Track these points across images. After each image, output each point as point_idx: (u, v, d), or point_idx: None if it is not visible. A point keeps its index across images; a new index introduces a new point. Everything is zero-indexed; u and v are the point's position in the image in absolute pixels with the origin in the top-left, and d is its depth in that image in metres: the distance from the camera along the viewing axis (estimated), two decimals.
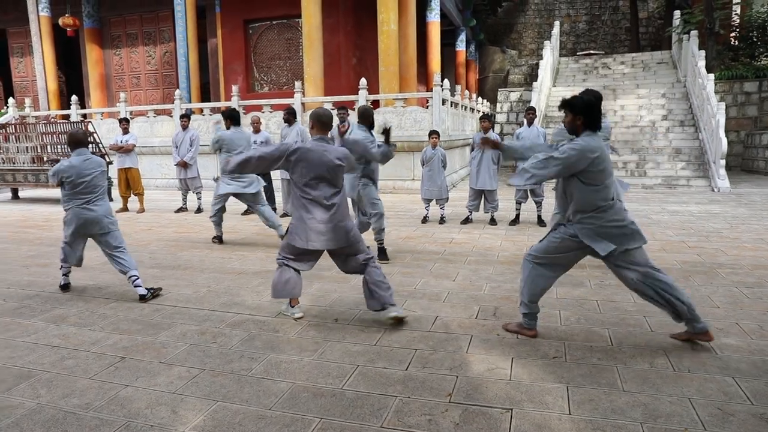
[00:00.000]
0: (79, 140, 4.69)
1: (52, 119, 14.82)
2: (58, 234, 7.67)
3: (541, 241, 3.63)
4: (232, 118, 6.89)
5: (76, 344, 3.62)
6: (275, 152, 3.90)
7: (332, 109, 12.24)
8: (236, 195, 6.72)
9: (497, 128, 17.49)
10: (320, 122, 3.99)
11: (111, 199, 11.26)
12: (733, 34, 18.33)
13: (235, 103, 13.16)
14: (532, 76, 21.33)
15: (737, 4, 18.61)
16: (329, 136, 4.09)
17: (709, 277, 5.07)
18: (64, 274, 4.89)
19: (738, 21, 18.42)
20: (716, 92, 14.19)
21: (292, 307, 4.10)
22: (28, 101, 16.08)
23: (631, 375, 3.08)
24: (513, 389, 2.94)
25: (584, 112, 3.30)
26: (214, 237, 6.92)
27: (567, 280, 4.97)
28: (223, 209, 6.84)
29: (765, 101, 15.47)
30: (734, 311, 4.12)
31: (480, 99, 19.74)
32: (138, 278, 4.61)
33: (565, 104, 3.38)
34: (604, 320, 3.97)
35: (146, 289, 4.63)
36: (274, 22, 16.28)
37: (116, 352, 3.48)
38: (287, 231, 4.04)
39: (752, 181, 12.91)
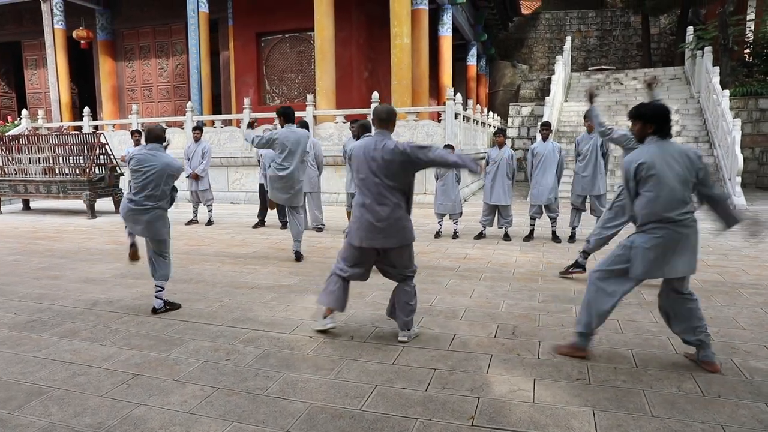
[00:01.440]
0: (157, 136, 4.59)
1: (65, 131, 14.91)
2: (69, 246, 7.66)
3: None
4: (285, 115, 6.46)
5: (87, 360, 3.56)
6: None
7: (344, 123, 12.26)
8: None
9: (508, 143, 17.41)
10: (378, 118, 3.89)
11: None
12: (747, 51, 18.20)
13: (246, 115, 13.18)
14: (543, 90, 21.29)
15: (751, 20, 18.53)
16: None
17: (731, 297, 4.94)
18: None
19: (752, 37, 18.32)
20: (731, 108, 14.05)
21: (324, 318, 4.01)
22: (41, 113, 16.22)
23: (658, 399, 2.97)
24: (537, 412, 2.84)
25: (656, 119, 3.29)
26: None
27: None
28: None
29: None
30: (761, 333, 4.00)
31: (491, 113, 19.70)
32: (162, 290, 4.56)
33: (632, 116, 3.38)
34: (626, 341, 3.86)
35: (164, 302, 4.57)
36: (287, 35, 16.36)
37: (128, 368, 3.41)
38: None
39: None
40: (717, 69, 14.80)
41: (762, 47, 17.47)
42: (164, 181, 4.47)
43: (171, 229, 4.69)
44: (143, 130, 12.50)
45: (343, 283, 3.91)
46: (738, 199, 11.45)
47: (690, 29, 18.55)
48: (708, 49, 15.88)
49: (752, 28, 18.46)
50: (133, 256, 4.80)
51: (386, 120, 3.86)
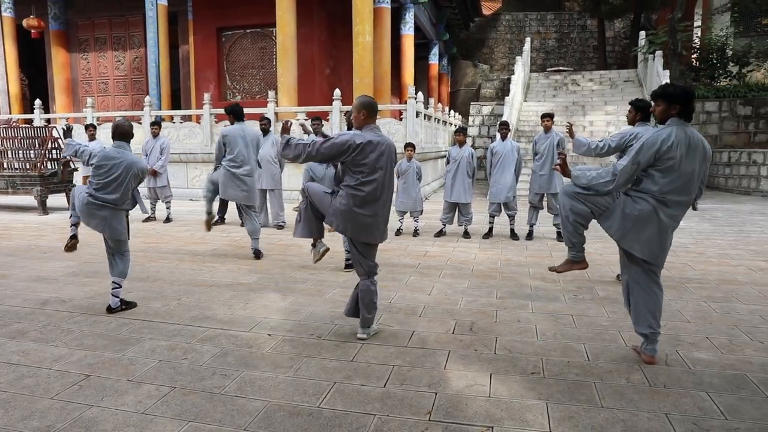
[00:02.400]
0: (124, 133, 4.48)
1: (14, 123, 14.33)
2: (18, 243, 7.38)
3: None
4: (235, 113, 6.49)
5: (36, 361, 3.45)
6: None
7: (306, 120, 12.18)
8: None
9: (469, 141, 17.64)
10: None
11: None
12: (694, 56, 18.95)
13: (206, 111, 12.97)
14: (503, 90, 21.64)
15: (698, 27, 19.29)
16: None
17: (678, 291, 5.15)
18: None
19: (699, 43, 19.08)
20: None
21: (314, 246, 3.99)
22: None
23: (608, 390, 3.08)
24: (493, 406, 2.91)
25: (681, 100, 3.19)
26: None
27: (542, 295, 5.01)
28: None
29: (724, 121, 16.02)
30: (704, 326, 4.19)
31: (452, 112, 19.91)
32: (119, 287, 4.45)
33: (658, 95, 3.28)
34: (579, 335, 3.98)
35: (121, 301, 4.46)
36: (248, 31, 16.15)
37: (80, 369, 3.32)
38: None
39: (714, 197, 13.29)
40: (667, 72, 15.38)
41: (708, 53, 18.22)
42: (128, 180, 4.37)
43: (129, 229, 4.59)
44: (98, 124, 12.14)
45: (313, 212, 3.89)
46: None
47: (642, 34, 19.19)
48: (659, 53, 16.47)
49: (699, 34, 19.23)
50: (71, 248, 4.66)
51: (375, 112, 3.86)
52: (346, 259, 5.85)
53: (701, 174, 3.30)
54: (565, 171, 3.58)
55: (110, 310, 4.39)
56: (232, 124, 6.49)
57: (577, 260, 3.63)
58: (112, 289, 4.44)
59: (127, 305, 4.51)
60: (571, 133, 6.01)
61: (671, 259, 6.51)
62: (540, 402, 2.96)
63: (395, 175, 8.02)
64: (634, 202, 3.31)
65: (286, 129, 3.98)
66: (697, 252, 6.98)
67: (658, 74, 15.68)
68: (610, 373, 3.32)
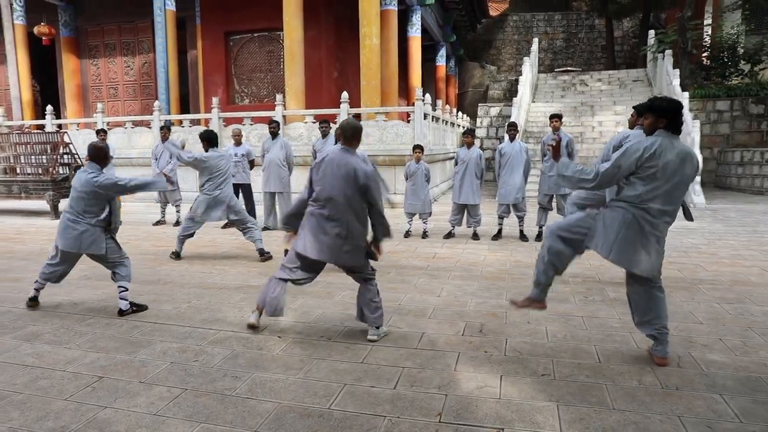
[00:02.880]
0: (97, 155, 4.45)
1: (26, 129, 14.49)
2: (31, 247, 7.46)
3: None
4: (209, 140, 6.57)
5: (50, 363, 3.48)
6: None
7: (314, 123, 12.23)
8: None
9: (477, 143, 17.61)
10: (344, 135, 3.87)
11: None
12: (705, 54, 18.82)
13: (215, 115, 13.04)
14: (511, 91, 21.60)
15: (708, 25, 19.15)
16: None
17: (690, 293, 5.11)
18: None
19: (709, 41, 18.94)
20: (690, 110, 14.50)
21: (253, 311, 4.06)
22: (0, 110, 15.72)
23: (620, 393, 3.07)
24: (503, 408, 2.90)
25: (669, 113, 3.20)
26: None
27: (552, 296, 4.97)
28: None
29: (736, 120, 15.88)
30: (717, 327, 4.15)
31: (460, 114, 19.89)
32: (126, 290, 4.49)
33: (647, 108, 3.31)
34: (590, 336, 3.97)
35: (131, 303, 4.51)
36: (256, 35, 16.23)
37: (93, 371, 3.35)
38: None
39: (726, 197, 13.18)
40: (677, 72, 15.28)
41: (718, 51, 18.08)
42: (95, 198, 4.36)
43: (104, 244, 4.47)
44: (108, 129, 12.25)
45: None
46: (698, 197, 11.84)
47: (651, 33, 19.08)
48: (668, 52, 16.38)
49: (709, 32, 19.09)
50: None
51: (351, 137, 3.87)
52: None
53: (686, 185, 3.27)
54: (556, 153, 3.61)
55: (121, 313, 4.43)
56: (206, 150, 6.54)
57: (537, 300, 3.65)
58: (120, 293, 4.48)
59: (138, 308, 4.54)
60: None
61: (683, 260, 6.48)
62: (551, 404, 2.95)
63: (405, 177, 8.07)
64: (613, 211, 3.32)
65: None
66: (709, 253, 6.93)
67: (667, 73, 15.59)
68: (621, 374, 3.31)
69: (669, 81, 15.27)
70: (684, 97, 13.97)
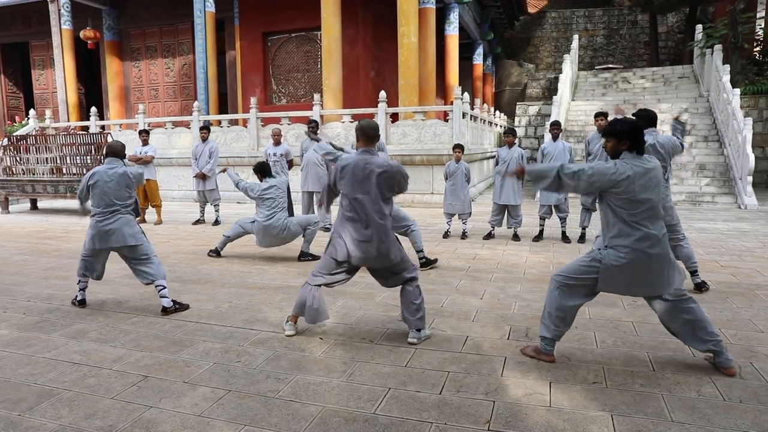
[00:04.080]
0: (114, 151, 4.74)
1: (72, 131, 14.93)
2: (77, 246, 7.64)
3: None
4: (262, 171, 6.57)
5: (97, 361, 3.53)
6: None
7: (351, 122, 12.23)
8: None
9: (516, 142, 17.32)
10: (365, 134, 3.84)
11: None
12: (757, 49, 18.04)
13: (253, 115, 13.17)
14: (549, 90, 21.18)
15: (761, 18, 18.35)
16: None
17: (747, 299, 4.86)
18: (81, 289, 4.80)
19: (762, 35, 18.15)
20: (741, 107, 13.92)
21: (287, 322, 4.03)
22: (48, 113, 16.25)
23: (678, 404, 2.91)
24: (554, 417, 2.79)
25: (629, 136, 3.24)
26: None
27: (600, 300, 4.80)
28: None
29: None
30: None
31: (497, 113, 19.61)
32: (165, 288, 4.53)
33: (607, 132, 3.35)
34: (642, 343, 3.80)
35: (173, 301, 4.55)
36: (293, 35, 16.34)
37: (138, 370, 3.37)
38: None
39: None
40: (727, 67, 14.68)
41: None
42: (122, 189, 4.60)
43: (143, 234, 4.67)
44: (150, 129, 12.50)
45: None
46: (749, 198, 11.35)
47: (699, 27, 18.40)
48: (718, 47, 15.73)
49: (762, 25, 18.29)
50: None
51: (374, 136, 3.87)
52: (420, 258, 6.02)
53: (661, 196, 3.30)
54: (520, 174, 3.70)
55: (165, 311, 4.47)
56: (261, 180, 6.49)
57: (546, 353, 3.52)
58: (159, 291, 4.51)
59: (180, 306, 4.57)
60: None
61: (737, 264, 6.19)
62: (604, 414, 2.81)
63: (444, 177, 7.96)
64: (617, 251, 3.24)
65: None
66: (765, 257, 6.60)
67: (717, 69, 15.00)
68: (678, 384, 3.14)
69: (718, 77, 14.69)
70: (735, 94, 13.41)
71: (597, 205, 7.58)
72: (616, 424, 2.71)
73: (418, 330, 3.81)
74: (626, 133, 3.23)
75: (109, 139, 11.00)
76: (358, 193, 3.72)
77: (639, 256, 3.19)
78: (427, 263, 6.06)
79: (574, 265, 3.46)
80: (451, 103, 11.93)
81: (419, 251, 6.11)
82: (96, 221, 4.53)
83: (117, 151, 4.75)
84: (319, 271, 3.91)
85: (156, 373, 3.32)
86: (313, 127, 8.60)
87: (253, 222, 6.46)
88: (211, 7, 15.27)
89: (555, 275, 3.50)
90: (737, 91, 13.62)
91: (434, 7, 14.69)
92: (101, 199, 4.54)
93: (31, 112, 16.08)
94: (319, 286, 3.90)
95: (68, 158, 11.28)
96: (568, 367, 3.39)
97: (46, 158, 11.47)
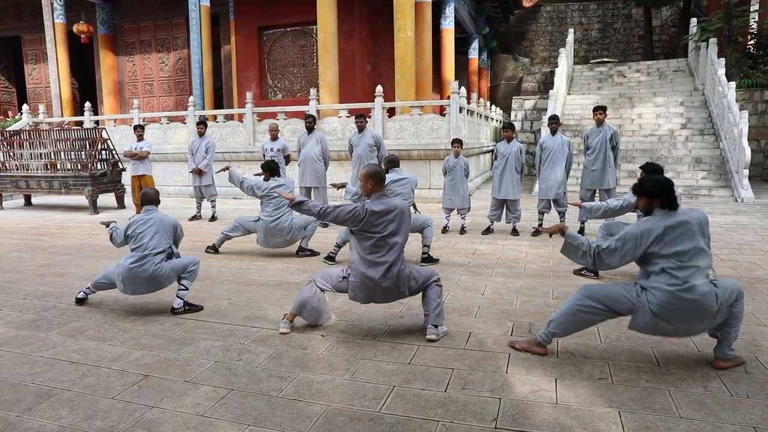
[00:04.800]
0: (150, 199, 4.58)
1: (66, 126, 14.79)
2: (72, 242, 7.57)
3: None
4: (270, 170, 6.45)
5: (96, 360, 3.47)
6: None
7: (348, 117, 12.16)
8: None
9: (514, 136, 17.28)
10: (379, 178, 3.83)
11: (123, 207, 11.20)
12: (751, 42, 18.06)
13: (249, 110, 13.07)
14: (545, 84, 21.16)
15: (755, 11, 18.36)
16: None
17: (749, 292, 4.83)
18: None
19: (756, 29, 18.17)
20: (736, 100, 13.92)
21: (283, 319, 3.98)
22: (41, 108, 16.07)
23: (685, 400, 2.89)
24: (561, 414, 2.76)
25: (660, 194, 3.21)
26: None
27: None
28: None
29: None
30: None
31: (493, 107, 19.56)
32: (186, 290, 4.42)
33: (638, 193, 3.31)
34: (646, 338, 3.77)
35: (184, 302, 4.42)
36: (289, 29, 16.21)
37: (138, 369, 3.32)
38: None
39: None
40: (722, 61, 14.68)
41: (766, 39, 17.33)
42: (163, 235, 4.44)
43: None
44: (144, 124, 12.37)
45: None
46: (746, 192, 11.37)
47: (693, 21, 18.40)
48: (713, 40, 15.73)
49: (756, 19, 18.30)
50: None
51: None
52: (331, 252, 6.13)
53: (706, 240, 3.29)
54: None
55: (174, 311, 4.35)
56: (267, 180, 6.37)
57: (542, 344, 3.51)
58: (178, 290, 4.41)
59: (191, 307, 4.44)
60: (578, 204, 5.74)
61: (736, 257, 6.19)
62: (611, 410, 2.79)
63: (443, 172, 7.92)
64: (654, 294, 3.14)
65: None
66: (764, 250, 6.60)
67: (712, 63, 15.00)
68: (684, 380, 3.12)
69: (713, 71, 14.68)
70: (730, 87, 13.42)
71: (595, 199, 7.56)
72: (624, 421, 2.68)
73: (436, 326, 3.79)
74: (656, 193, 3.21)
75: (104, 134, 10.90)
76: (399, 236, 3.73)
77: (680, 302, 3.12)
78: (428, 260, 6.04)
79: (608, 291, 3.37)
80: (448, 98, 11.87)
81: (426, 246, 6.10)
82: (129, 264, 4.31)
83: (152, 199, 4.61)
84: (324, 281, 3.88)
85: (156, 372, 3.27)
86: (310, 122, 8.54)
87: (257, 220, 6.37)
88: (205, 2, 15.10)
89: (586, 289, 3.42)
90: (732, 84, 13.63)
91: (430, 1, 14.59)
92: (138, 243, 4.37)
93: (24, 107, 15.90)
94: (323, 290, 3.87)
95: (62, 153, 11.16)
96: (572, 364, 3.37)
97: (40, 153, 11.34)
